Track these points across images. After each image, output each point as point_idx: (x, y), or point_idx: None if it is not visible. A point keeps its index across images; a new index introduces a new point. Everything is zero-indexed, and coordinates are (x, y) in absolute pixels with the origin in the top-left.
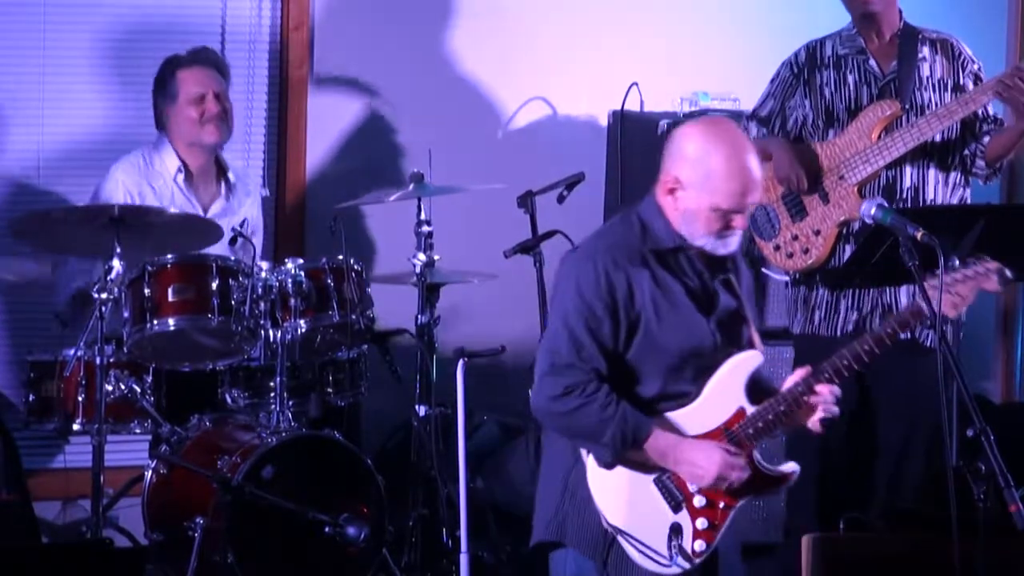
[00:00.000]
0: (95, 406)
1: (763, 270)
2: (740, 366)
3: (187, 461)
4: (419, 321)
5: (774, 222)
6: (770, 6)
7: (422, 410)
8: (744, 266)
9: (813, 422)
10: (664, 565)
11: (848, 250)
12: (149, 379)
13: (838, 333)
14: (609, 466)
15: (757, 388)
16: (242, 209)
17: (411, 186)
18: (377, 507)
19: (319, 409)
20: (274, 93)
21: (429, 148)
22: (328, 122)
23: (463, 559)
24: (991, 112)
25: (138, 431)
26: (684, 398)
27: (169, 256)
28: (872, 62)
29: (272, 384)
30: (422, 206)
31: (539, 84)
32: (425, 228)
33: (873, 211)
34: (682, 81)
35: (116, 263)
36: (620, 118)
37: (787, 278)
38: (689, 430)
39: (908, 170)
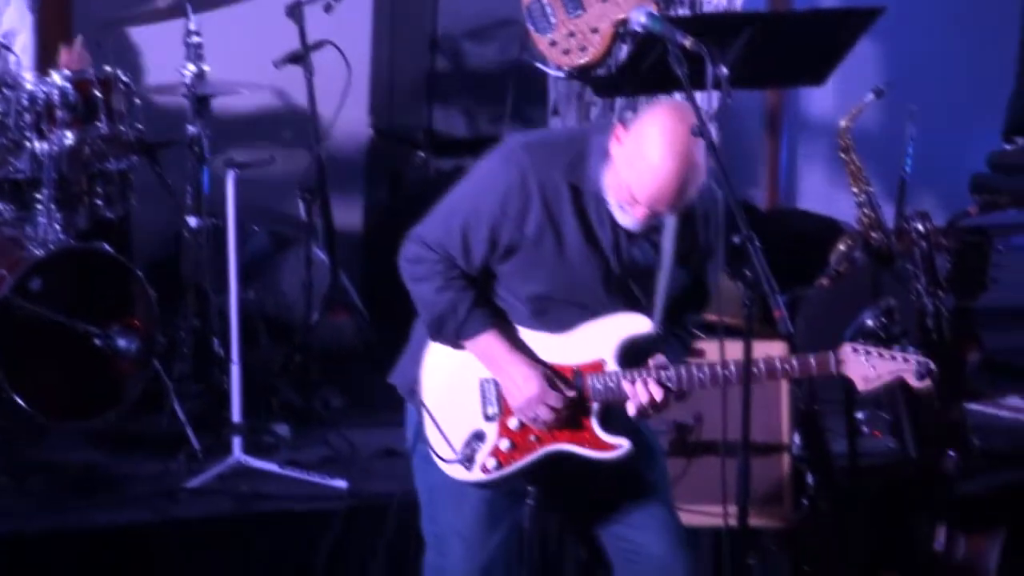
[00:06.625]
0: None
1: (537, 64)
2: (622, 324)
3: None
4: (189, 132)
5: (549, 16)
6: None
7: (193, 221)
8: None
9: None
10: (445, 460)
11: (625, 49)
12: None
13: None
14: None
15: (637, 355)
16: (5, 16)
17: None
18: (148, 319)
19: (88, 221)
20: None
21: None
22: None
23: (234, 369)
24: None
25: None
26: (554, 326)
27: None
28: None
29: (39, 196)
30: (191, 17)
31: None
32: (195, 39)
33: (642, 19)
34: None
35: None
36: None
37: (562, 74)
38: (540, 354)
39: None
